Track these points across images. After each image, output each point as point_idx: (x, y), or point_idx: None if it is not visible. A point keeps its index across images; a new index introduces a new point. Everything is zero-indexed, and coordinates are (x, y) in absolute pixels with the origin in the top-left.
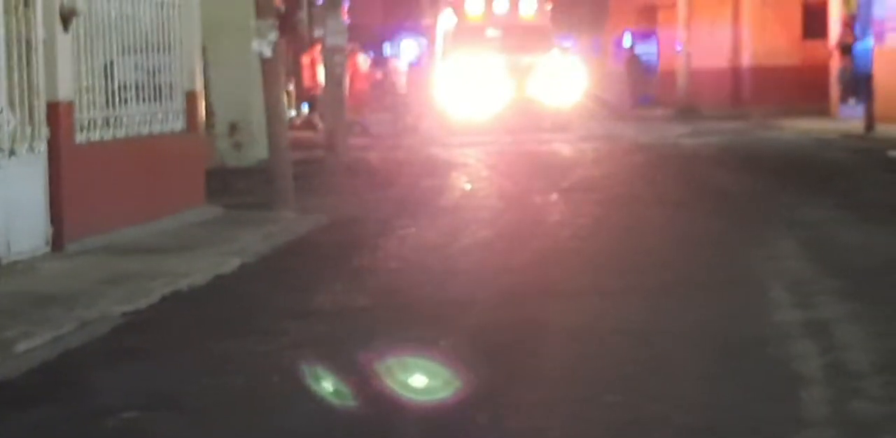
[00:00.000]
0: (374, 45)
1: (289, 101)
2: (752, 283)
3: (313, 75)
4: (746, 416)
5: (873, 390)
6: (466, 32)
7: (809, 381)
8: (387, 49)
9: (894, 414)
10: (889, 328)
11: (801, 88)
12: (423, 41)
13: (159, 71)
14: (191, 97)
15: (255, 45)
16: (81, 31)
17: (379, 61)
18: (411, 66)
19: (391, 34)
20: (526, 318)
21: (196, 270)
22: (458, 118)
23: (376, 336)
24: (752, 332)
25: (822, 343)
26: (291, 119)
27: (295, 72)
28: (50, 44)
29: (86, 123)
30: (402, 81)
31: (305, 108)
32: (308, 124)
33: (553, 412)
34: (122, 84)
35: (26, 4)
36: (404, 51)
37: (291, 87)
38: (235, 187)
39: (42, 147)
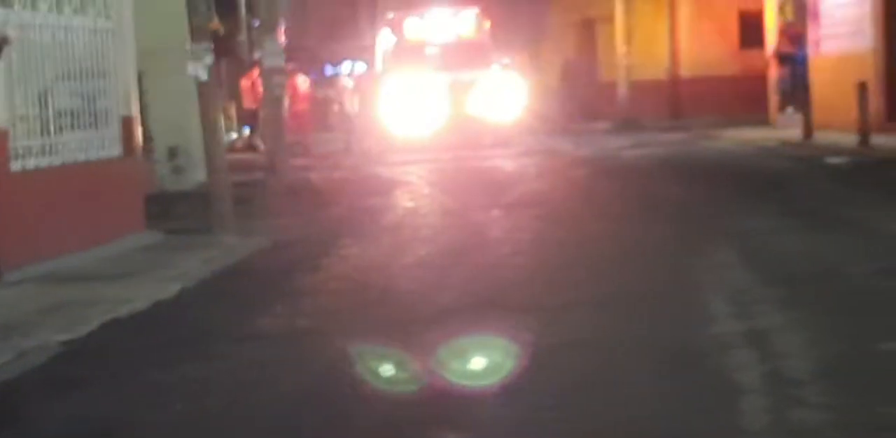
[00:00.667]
0: (314, 65)
1: (229, 124)
2: (693, 294)
3: (254, 97)
4: (688, 427)
5: (813, 398)
6: (405, 51)
7: (750, 390)
8: (329, 69)
9: (834, 422)
10: (828, 336)
11: (740, 98)
12: (364, 61)
13: (95, 97)
14: (127, 122)
15: (191, 68)
16: (14, 59)
17: (321, 81)
18: (355, 85)
19: (331, 54)
20: (467, 335)
21: (136, 296)
22: (400, 136)
23: (318, 358)
24: (692, 343)
25: (762, 352)
26: (232, 141)
27: (235, 94)
28: None
29: (21, 151)
30: (352, 100)
31: (246, 131)
32: (249, 146)
33: (493, 430)
34: (57, 111)
35: None
36: (346, 70)
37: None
38: (176, 211)
39: None
